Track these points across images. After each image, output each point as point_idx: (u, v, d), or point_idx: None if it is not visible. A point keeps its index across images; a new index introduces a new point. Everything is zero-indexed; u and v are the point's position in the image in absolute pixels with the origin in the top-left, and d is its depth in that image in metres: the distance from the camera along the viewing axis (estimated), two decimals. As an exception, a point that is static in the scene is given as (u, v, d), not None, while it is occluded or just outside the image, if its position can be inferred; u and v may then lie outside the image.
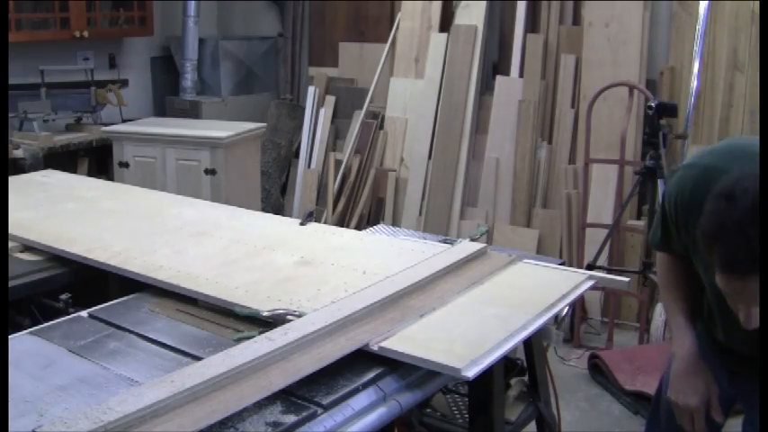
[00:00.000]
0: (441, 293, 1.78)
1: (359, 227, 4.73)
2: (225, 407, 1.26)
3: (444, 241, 2.24)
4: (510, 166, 4.59)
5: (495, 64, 4.89)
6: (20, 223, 2.27)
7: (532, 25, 4.68)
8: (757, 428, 1.76)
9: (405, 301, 1.73)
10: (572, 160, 4.42)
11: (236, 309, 1.69)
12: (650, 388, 2.66)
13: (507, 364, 2.13)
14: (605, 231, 3.83)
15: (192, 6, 5.29)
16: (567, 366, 3.70)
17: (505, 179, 4.60)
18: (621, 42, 4.25)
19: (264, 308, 1.67)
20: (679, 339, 1.78)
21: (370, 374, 1.46)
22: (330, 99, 5.41)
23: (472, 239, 2.15)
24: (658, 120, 3.56)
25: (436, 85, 4.83)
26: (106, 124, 4.64)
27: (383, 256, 2.05)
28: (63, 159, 4.35)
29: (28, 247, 2.17)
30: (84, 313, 1.76)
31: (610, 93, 4.01)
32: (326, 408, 1.34)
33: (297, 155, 5.52)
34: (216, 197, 3.86)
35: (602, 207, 4.20)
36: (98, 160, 4.72)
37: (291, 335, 1.49)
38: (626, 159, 3.96)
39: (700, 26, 4.01)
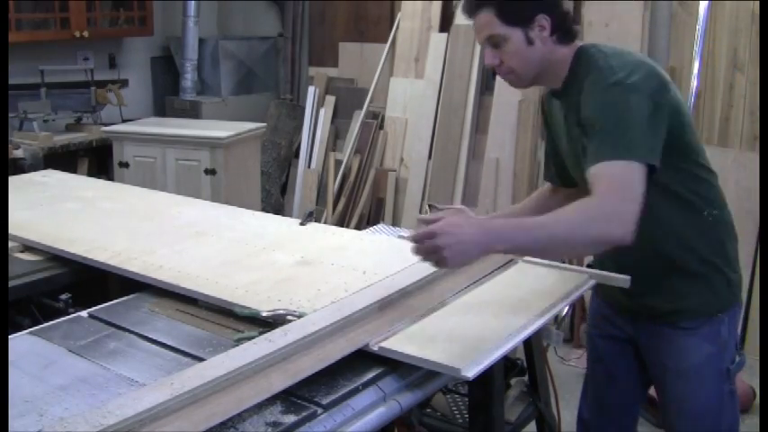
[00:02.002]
0: (441, 293, 1.77)
1: (359, 227, 4.73)
2: (224, 409, 1.26)
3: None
4: (510, 166, 4.58)
5: (495, 64, 4.88)
6: (20, 223, 2.27)
7: (532, 25, 4.68)
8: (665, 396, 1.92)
9: (405, 301, 1.73)
10: (572, 160, 4.41)
11: (236, 309, 1.69)
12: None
13: (507, 364, 2.14)
14: (605, 231, 3.82)
15: (191, 6, 5.29)
16: (567, 366, 3.70)
17: (505, 179, 4.59)
18: (621, 42, 4.23)
19: (264, 308, 1.66)
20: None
21: (370, 374, 1.45)
22: (330, 99, 5.41)
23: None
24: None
25: (436, 85, 4.83)
26: (106, 124, 4.65)
27: (383, 256, 2.04)
28: (63, 159, 4.35)
29: (28, 247, 2.16)
30: (84, 313, 1.76)
31: (610, 93, 4.00)
32: (326, 408, 1.34)
33: (297, 155, 5.52)
34: (216, 197, 3.86)
35: (602, 207, 4.19)
36: (98, 160, 4.72)
37: (291, 336, 1.49)
38: (626, 159, 3.95)
39: (700, 26, 4.00)
